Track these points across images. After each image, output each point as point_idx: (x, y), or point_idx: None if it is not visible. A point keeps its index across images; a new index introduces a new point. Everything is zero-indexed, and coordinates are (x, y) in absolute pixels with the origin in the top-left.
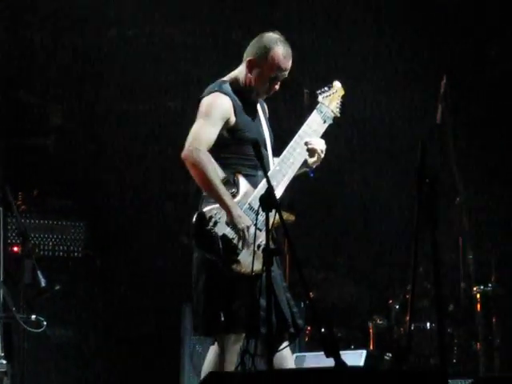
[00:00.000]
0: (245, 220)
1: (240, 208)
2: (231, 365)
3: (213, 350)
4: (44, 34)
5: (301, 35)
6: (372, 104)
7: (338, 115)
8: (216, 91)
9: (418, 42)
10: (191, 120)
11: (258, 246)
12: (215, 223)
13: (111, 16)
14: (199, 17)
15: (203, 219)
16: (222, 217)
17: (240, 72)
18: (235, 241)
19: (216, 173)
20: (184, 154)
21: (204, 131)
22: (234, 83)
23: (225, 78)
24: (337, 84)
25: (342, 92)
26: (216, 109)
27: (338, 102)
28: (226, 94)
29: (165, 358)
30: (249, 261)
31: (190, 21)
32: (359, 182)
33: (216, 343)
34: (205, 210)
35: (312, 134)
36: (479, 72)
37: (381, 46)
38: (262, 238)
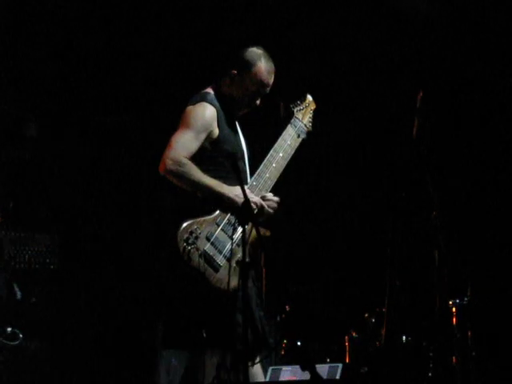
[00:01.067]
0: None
1: (219, 224)
2: (208, 379)
3: (189, 364)
4: (19, 44)
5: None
6: (345, 118)
7: (311, 129)
8: (202, 101)
9: (395, 55)
10: (168, 131)
11: (237, 262)
12: (196, 238)
13: (89, 26)
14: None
15: (184, 234)
16: (203, 232)
17: (222, 84)
18: (215, 257)
19: (199, 171)
20: (162, 165)
21: (185, 142)
22: (217, 95)
23: (208, 90)
24: (309, 97)
25: (313, 105)
26: (200, 119)
27: (311, 115)
28: (211, 104)
29: (140, 372)
30: (228, 277)
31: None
32: (336, 195)
33: (193, 357)
34: (185, 224)
35: (287, 148)
36: (455, 87)
37: (356, 58)
38: (240, 254)
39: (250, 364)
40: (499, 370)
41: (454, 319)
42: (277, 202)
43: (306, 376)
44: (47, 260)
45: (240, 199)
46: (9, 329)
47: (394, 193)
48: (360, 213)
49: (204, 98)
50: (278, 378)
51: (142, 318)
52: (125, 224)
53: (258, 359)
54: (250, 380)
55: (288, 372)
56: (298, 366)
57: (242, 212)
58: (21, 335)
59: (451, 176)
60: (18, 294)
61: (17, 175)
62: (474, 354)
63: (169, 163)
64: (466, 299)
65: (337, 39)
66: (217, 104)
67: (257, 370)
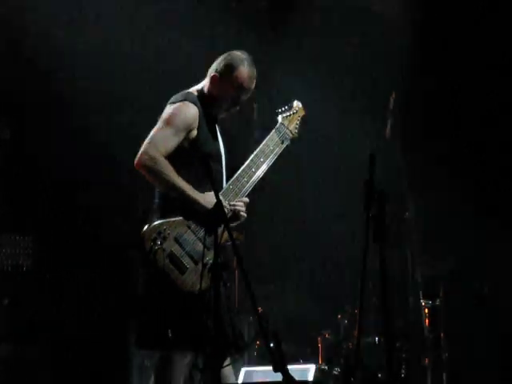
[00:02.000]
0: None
1: (189, 226)
2: (179, 379)
3: (160, 365)
4: None
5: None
6: (320, 119)
7: (296, 136)
8: (184, 100)
9: (367, 57)
10: (142, 134)
11: (205, 265)
12: (164, 239)
13: (61, 26)
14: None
15: (152, 234)
16: (172, 232)
17: (204, 86)
18: (182, 258)
19: (173, 172)
20: (138, 160)
21: (163, 138)
22: (199, 96)
23: (190, 90)
24: (297, 104)
25: (302, 112)
26: (180, 118)
27: (298, 122)
28: (194, 104)
29: (113, 373)
30: (194, 279)
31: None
32: (309, 197)
33: (163, 357)
34: (154, 224)
35: (269, 153)
36: (428, 88)
37: (329, 61)
38: (209, 257)
39: (220, 366)
40: (471, 371)
41: (427, 320)
42: (245, 204)
43: (279, 377)
44: (20, 261)
45: (210, 206)
46: None
47: (367, 193)
48: (332, 213)
49: (187, 98)
50: (251, 379)
51: (115, 318)
52: (98, 226)
53: (227, 362)
54: (221, 382)
55: (261, 373)
56: (270, 368)
57: (214, 215)
58: None
59: (425, 176)
60: None
61: None
62: (446, 354)
63: (144, 158)
64: (438, 300)
65: None
66: (198, 105)
67: (228, 373)
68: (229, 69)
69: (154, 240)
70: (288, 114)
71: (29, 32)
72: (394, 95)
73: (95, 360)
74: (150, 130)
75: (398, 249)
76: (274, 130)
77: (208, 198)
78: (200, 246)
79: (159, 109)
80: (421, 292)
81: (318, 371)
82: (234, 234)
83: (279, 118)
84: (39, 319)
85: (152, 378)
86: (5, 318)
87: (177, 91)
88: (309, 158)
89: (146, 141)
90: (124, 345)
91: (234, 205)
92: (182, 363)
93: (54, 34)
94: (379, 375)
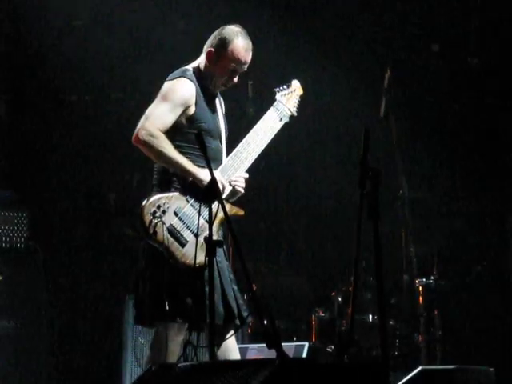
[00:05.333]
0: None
1: (188, 200)
2: (173, 355)
3: (156, 341)
4: None
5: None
6: (315, 97)
7: (295, 114)
8: (182, 77)
9: (362, 34)
10: (135, 111)
11: (205, 238)
12: (163, 212)
13: (55, 6)
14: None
15: (151, 208)
16: (171, 206)
17: (200, 62)
18: (182, 231)
19: (171, 147)
20: (136, 135)
21: (160, 114)
22: (196, 72)
23: (187, 67)
24: (295, 83)
25: (300, 91)
26: (178, 94)
27: (296, 101)
28: (191, 81)
29: (107, 350)
30: (194, 252)
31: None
32: (303, 174)
33: (158, 333)
34: (153, 198)
35: (268, 130)
36: (423, 65)
37: (324, 38)
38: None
39: (224, 339)
40: (464, 348)
41: (421, 298)
42: (245, 180)
43: (273, 354)
44: (14, 239)
45: (207, 180)
46: None
47: (361, 172)
48: (327, 191)
49: (184, 74)
50: (245, 356)
51: (109, 295)
52: (92, 203)
53: (230, 333)
54: (224, 355)
55: (254, 351)
56: (264, 345)
57: (209, 190)
58: None
59: (419, 155)
60: None
61: None
62: (439, 332)
63: (142, 133)
64: (432, 278)
65: None
66: (195, 81)
67: (232, 345)
68: (224, 43)
69: (154, 213)
70: (286, 92)
71: (24, 12)
72: (388, 72)
73: (89, 338)
74: (147, 107)
75: (392, 227)
76: (272, 108)
77: (206, 172)
78: (200, 220)
79: (156, 86)
80: (415, 270)
81: (312, 349)
82: (234, 210)
83: (277, 95)
84: (33, 296)
85: (148, 355)
86: (0, 295)
87: (174, 69)
88: (303, 134)
89: (144, 116)
90: (119, 322)
91: (234, 180)
92: (179, 338)
93: (48, 12)
94: (373, 353)
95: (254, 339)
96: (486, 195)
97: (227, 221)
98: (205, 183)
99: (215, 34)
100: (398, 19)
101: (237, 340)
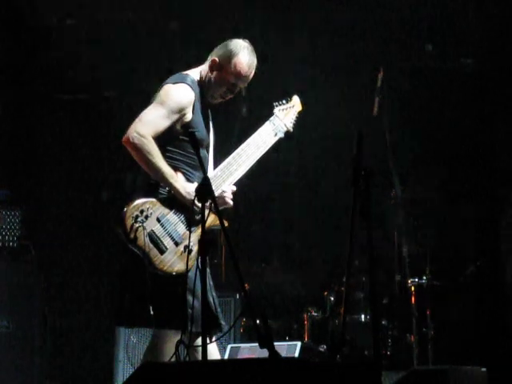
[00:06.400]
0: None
1: (172, 207)
2: (166, 358)
3: (153, 342)
4: None
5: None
6: (307, 97)
7: (291, 130)
8: (182, 82)
9: (354, 34)
10: (129, 109)
11: (185, 247)
12: (146, 217)
13: (48, 4)
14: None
15: (134, 211)
16: (154, 212)
17: (202, 70)
18: (163, 238)
19: (160, 155)
20: (127, 137)
21: (155, 118)
22: (196, 79)
23: (188, 72)
24: (295, 99)
25: (299, 107)
26: (175, 100)
27: (294, 116)
28: (191, 88)
29: (99, 349)
30: (173, 260)
31: (131, 11)
32: (296, 173)
33: (156, 334)
34: (137, 202)
35: (261, 144)
36: (416, 65)
37: (316, 38)
38: (190, 239)
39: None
40: (456, 348)
41: (413, 298)
42: (232, 193)
43: (265, 354)
44: (7, 237)
45: (190, 197)
46: None
47: (354, 171)
48: (320, 191)
49: (184, 80)
50: (237, 355)
51: (101, 294)
52: (85, 201)
53: (211, 339)
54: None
55: (246, 350)
56: (256, 344)
57: (201, 189)
58: None
59: (412, 154)
60: None
61: None
62: (432, 332)
63: (133, 135)
64: (424, 278)
65: None
66: (196, 88)
67: (212, 350)
68: (228, 55)
69: (136, 218)
70: (284, 107)
71: (18, 11)
72: (381, 72)
73: (81, 337)
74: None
75: (385, 227)
76: (268, 122)
77: (189, 189)
78: (182, 228)
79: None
80: (407, 270)
81: (304, 348)
82: (218, 221)
83: (275, 110)
84: (26, 294)
85: (140, 355)
86: None
87: (169, 69)
88: (295, 134)
89: (137, 118)
90: (111, 321)
91: (224, 191)
92: (175, 340)
93: (42, 11)
94: (365, 352)
95: (246, 338)
96: (479, 196)
97: (220, 220)
98: (186, 200)
99: (222, 44)
100: (392, 18)
101: (229, 340)
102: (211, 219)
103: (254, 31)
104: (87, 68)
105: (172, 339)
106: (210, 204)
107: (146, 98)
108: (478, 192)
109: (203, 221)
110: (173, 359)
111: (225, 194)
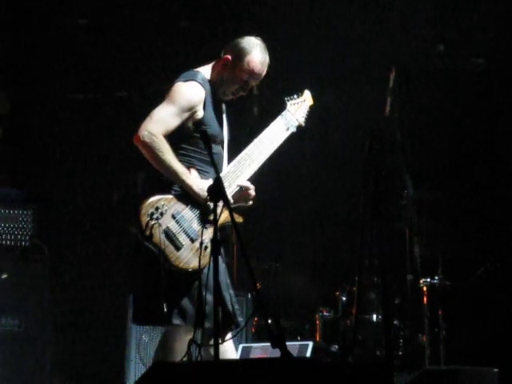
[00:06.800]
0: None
1: (187, 204)
2: (181, 355)
3: (164, 341)
4: None
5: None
6: (320, 96)
7: (303, 124)
8: (192, 80)
9: (367, 34)
10: (140, 109)
11: (201, 243)
12: (161, 214)
13: (61, 3)
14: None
15: (149, 209)
16: (169, 209)
17: (213, 67)
18: (178, 235)
19: (171, 153)
20: (137, 135)
21: (165, 116)
22: (207, 77)
23: (199, 69)
24: (307, 93)
25: (310, 102)
26: (186, 98)
27: (305, 111)
28: (201, 85)
29: (111, 348)
30: (189, 256)
31: (142, 10)
32: (307, 173)
33: (167, 333)
34: (152, 199)
35: (273, 139)
36: (427, 65)
37: (329, 38)
38: (205, 236)
39: (220, 341)
40: (468, 349)
41: (425, 299)
42: (250, 191)
43: (277, 354)
44: (19, 236)
45: (203, 193)
46: None
47: (366, 172)
48: (332, 190)
49: (195, 77)
50: (249, 355)
51: (113, 293)
52: (97, 202)
53: (227, 337)
54: (221, 357)
55: (258, 350)
56: (268, 344)
57: (214, 190)
58: None
59: (424, 154)
60: None
61: None
62: (444, 333)
63: (144, 134)
64: (436, 279)
65: None
66: (207, 85)
67: (228, 348)
68: (241, 53)
69: (151, 215)
70: (296, 101)
71: (30, 10)
72: (393, 72)
73: (93, 336)
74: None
75: (396, 227)
76: (279, 116)
77: (202, 185)
78: (197, 224)
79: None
80: (419, 270)
81: (316, 348)
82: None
83: (287, 104)
84: (37, 293)
85: (152, 354)
86: (4, 292)
87: (179, 67)
88: (307, 134)
89: (148, 117)
90: (123, 320)
91: (247, 187)
92: (186, 339)
93: (54, 10)
94: (377, 353)
95: (258, 338)
96: (492, 195)
97: (232, 218)
98: (199, 197)
99: (234, 42)
100: (403, 18)
101: (241, 339)
102: (225, 216)
103: (266, 30)
104: (98, 68)
105: (183, 337)
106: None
107: (157, 98)
108: (490, 192)
109: (215, 221)
110: (184, 358)
111: (248, 186)
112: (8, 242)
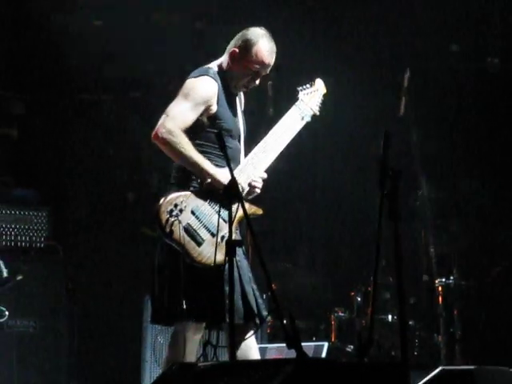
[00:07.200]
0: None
1: (206, 199)
2: (191, 355)
3: (174, 341)
4: (7, 25)
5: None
6: (334, 96)
7: (317, 113)
8: (205, 75)
9: (381, 34)
10: (154, 110)
11: (222, 237)
12: (180, 211)
13: (78, 5)
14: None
15: (168, 206)
16: (189, 205)
17: (222, 62)
18: (199, 230)
19: (191, 146)
20: (155, 133)
21: (181, 112)
22: (219, 71)
23: (210, 65)
24: (319, 82)
25: (323, 90)
26: (200, 92)
27: (319, 100)
28: (213, 79)
29: (126, 349)
30: (211, 251)
31: (156, 12)
32: (322, 173)
33: (176, 333)
34: (171, 196)
35: (288, 129)
36: (442, 65)
37: (344, 38)
38: (225, 230)
39: (244, 338)
40: (484, 349)
41: (440, 298)
42: (262, 180)
43: (292, 354)
44: (34, 238)
45: (226, 181)
46: None
47: (381, 172)
48: (346, 189)
49: (206, 72)
50: (264, 356)
51: (128, 294)
52: (112, 202)
53: (251, 333)
54: (245, 354)
55: (274, 350)
56: (283, 345)
57: (229, 191)
58: (7, 313)
59: (438, 154)
60: (5, 272)
61: (4, 153)
62: (459, 333)
63: (162, 131)
64: (451, 278)
65: None
66: (218, 80)
67: (251, 344)
68: (248, 44)
69: (171, 212)
70: (309, 91)
71: (40, 9)
72: (408, 72)
73: (108, 337)
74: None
75: (411, 227)
76: (293, 107)
77: (225, 173)
78: (217, 219)
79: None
80: (434, 270)
81: (331, 348)
82: (253, 209)
83: (300, 94)
84: (52, 295)
85: (166, 354)
86: (19, 294)
87: (193, 67)
88: (322, 133)
89: (164, 114)
90: (138, 321)
91: (254, 181)
92: (197, 338)
93: (69, 11)
94: (392, 353)
95: (273, 339)
96: (507, 195)
97: (247, 220)
98: (223, 183)
99: (240, 34)
100: (418, 19)
101: (256, 340)
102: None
103: (280, 30)
104: (112, 68)
105: (192, 337)
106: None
107: (171, 99)
108: (506, 191)
109: (230, 223)
110: (201, 359)
111: (254, 184)
112: (23, 244)
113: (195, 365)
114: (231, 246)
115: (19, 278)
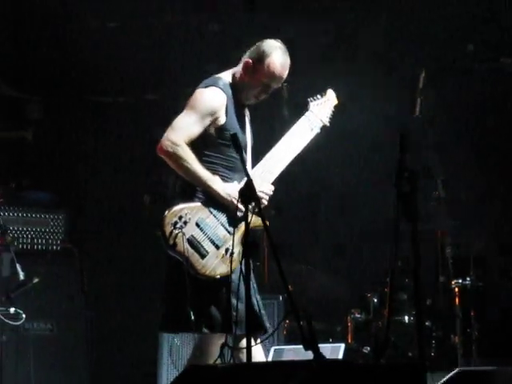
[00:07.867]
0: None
1: (211, 211)
2: (212, 359)
3: (199, 344)
4: (24, 28)
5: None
6: (349, 97)
7: (327, 124)
8: (213, 86)
9: (396, 35)
10: (170, 112)
11: (226, 250)
12: (185, 223)
13: (93, 8)
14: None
15: (172, 218)
16: (193, 217)
17: (235, 72)
18: (203, 242)
19: (195, 160)
20: (160, 146)
21: (187, 125)
22: (230, 82)
23: (220, 75)
24: (330, 93)
25: (335, 101)
26: (206, 104)
27: (330, 111)
28: (222, 90)
29: (143, 352)
30: (215, 263)
31: (172, 13)
32: (338, 175)
33: (203, 336)
34: (175, 208)
35: (298, 140)
36: (458, 66)
37: (359, 39)
38: (230, 242)
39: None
40: (501, 350)
41: (457, 299)
42: (271, 191)
43: (309, 356)
44: (50, 240)
45: (231, 198)
46: (12, 309)
47: (398, 172)
48: (363, 191)
49: (216, 83)
50: (281, 358)
51: (145, 297)
52: (128, 205)
53: (256, 341)
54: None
55: (291, 352)
56: (300, 346)
57: (245, 192)
58: (24, 315)
59: (455, 155)
60: (21, 275)
61: (20, 156)
62: (476, 333)
63: (166, 144)
64: (468, 279)
65: None
66: (228, 91)
67: (257, 353)
68: (261, 56)
69: (175, 224)
70: (319, 102)
71: (57, 13)
72: (423, 73)
73: (125, 340)
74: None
75: (428, 228)
76: (303, 117)
77: (228, 190)
78: (221, 231)
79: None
80: (451, 271)
81: (348, 350)
82: (259, 222)
83: (310, 105)
84: (69, 298)
85: (184, 358)
86: (36, 296)
87: (207, 72)
88: (339, 134)
89: (170, 126)
90: (155, 324)
91: (261, 191)
92: (220, 343)
93: (84, 13)
94: (409, 354)
95: (290, 340)
96: None
97: (263, 222)
98: (225, 201)
99: (255, 46)
100: (433, 19)
101: (273, 342)
102: (254, 220)
103: (293, 33)
104: (128, 71)
105: (216, 341)
106: (253, 206)
107: (186, 101)
108: None
109: (247, 224)
110: (218, 361)
111: (261, 195)
112: (39, 246)
113: (212, 366)
114: (247, 247)
115: (36, 280)
